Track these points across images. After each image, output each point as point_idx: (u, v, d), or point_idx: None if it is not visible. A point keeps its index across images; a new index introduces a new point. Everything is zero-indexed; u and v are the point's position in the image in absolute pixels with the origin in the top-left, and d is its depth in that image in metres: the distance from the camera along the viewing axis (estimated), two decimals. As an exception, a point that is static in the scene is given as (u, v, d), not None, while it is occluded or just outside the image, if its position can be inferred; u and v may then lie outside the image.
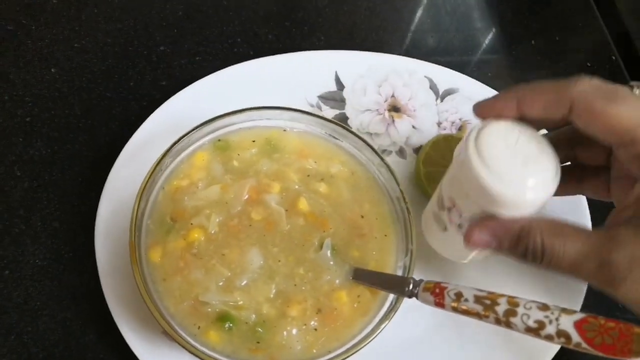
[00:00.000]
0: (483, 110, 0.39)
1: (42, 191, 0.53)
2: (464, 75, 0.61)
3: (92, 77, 0.60)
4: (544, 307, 0.33)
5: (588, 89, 0.35)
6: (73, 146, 0.56)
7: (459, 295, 0.35)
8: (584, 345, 0.31)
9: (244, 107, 0.47)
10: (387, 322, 0.41)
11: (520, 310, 0.33)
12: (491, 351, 0.49)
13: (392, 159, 0.56)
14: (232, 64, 0.58)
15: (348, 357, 0.40)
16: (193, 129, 0.46)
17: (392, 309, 0.42)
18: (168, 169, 0.46)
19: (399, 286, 0.40)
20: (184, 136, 0.45)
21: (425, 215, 0.48)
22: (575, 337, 0.31)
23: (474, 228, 0.37)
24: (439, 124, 0.59)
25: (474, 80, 0.61)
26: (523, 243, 0.34)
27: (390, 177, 0.46)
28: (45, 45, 0.61)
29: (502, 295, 0.34)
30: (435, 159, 0.55)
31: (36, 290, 0.49)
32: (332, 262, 0.44)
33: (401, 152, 0.58)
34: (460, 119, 0.60)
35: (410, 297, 0.39)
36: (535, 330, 0.32)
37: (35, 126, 0.56)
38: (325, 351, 0.41)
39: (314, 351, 0.41)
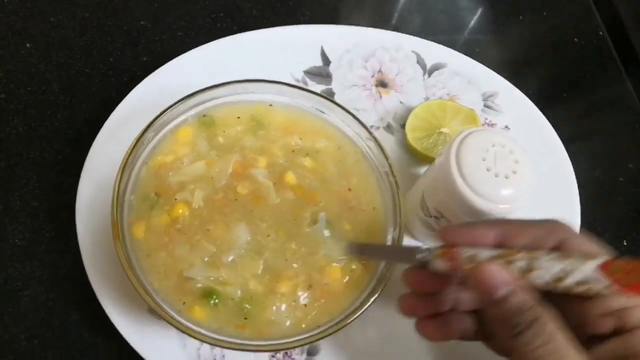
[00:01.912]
0: (450, 236, 0.36)
1: (20, 169, 0.52)
2: (452, 49, 0.61)
3: (69, 52, 0.58)
4: (564, 256, 0.31)
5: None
6: (52, 123, 0.54)
7: (473, 257, 0.33)
8: (613, 287, 0.29)
9: (228, 80, 0.46)
10: (376, 294, 0.41)
11: (539, 264, 0.31)
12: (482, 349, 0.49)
13: (379, 135, 0.56)
14: (215, 39, 0.57)
15: (337, 330, 0.40)
16: (175, 103, 0.44)
17: (382, 279, 0.41)
18: (151, 144, 0.45)
19: (409, 256, 0.38)
20: (166, 110, 0.44)
21: (411, 217, 0.50)
22: (602, 281, 0.29)
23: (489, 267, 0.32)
24: (426, 99, 0.58)
25: (462, 55, 0.60)
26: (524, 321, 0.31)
27: (379, 151, 0.46)
28: (20, 19, 0.59)
29: (519, 252, 0.32)
30: (421, 125, 0.55)
31: (16, 270, 0.48)
32: (327, 236, 0.43)
33: (389, 128, 0.57)
34: (447, 94, 0.59)
35: (422, 265, 0.37)
36: (558, 281, 0.30)
37: (11, 103, 0.54)
38: (315, 326, 0.41)
39: (303, 326, 0.41)
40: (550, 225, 0.34)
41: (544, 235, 0.33)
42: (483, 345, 0.39)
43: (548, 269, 0.31)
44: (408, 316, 0.39)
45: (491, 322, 0.32)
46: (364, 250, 0.44)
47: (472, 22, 0.69)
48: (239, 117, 0.47)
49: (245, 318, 0.40)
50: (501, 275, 0.31)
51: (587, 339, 0.32)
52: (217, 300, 0.40)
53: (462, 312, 0.39)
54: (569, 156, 0.57)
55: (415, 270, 0.38)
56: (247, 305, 0.41)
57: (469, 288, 0.37)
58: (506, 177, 0.40)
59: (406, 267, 0.39)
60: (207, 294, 0.40)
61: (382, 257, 0.43)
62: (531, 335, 0.29)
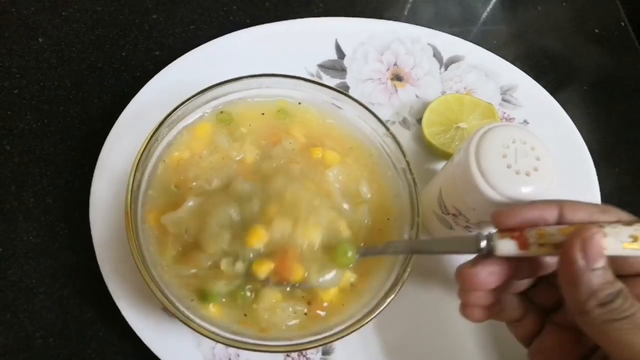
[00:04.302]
0: (508, 218, 0.35)
1: (33, 166, 0.51)
2: (468, 42, 0.59)
3: (81, 47, 0.57)
4: (629, 222, 0.32)
5: None
6: (65, 119, 0.54)
7: (542, 234, 0.33)
8: None
9: (243, 75, 0.45)
10: (393, 295, 0.40)
11: (609, 230, 0.31)
12: (478, 351, 0.48)
13: (395, 130, 0.55)
14: (228, 33, 0.56)
15: (353, 331, 0.39)
16: (189, 98, 0.44)
17: (398, 281, 0.41)
18: (165, 139, 0.44)
19: (470, 245, 0.36)
20: (180, 105, 0.43)
21: (428, 214, 0.48)
22: None
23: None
24: (443, 93, 0.57)
25: (480, 47, 0.59)
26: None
27: (396, 147, 0.45)
28: (31, 14, 0.58)
29: (584, 223, 0.32)
30: (438, 120, 0.54)
31: (31, 267, 0.48)
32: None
33: (404, 122, 0.56)
34: (465, 88, 0.58)
35: (484, 252, 0.35)
36: (632, 243, 0.31)
37: (24, 99, 0.54)
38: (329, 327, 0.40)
39: (304, 330, 0.41)
40: (604, 206, 0.34)
41: (599, 212, 0.34)
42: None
43: (618, 235, 0.31)
44: (472, 318, 0.38)
45: (574, 289, 0.31)
46: (415, 249, 0.41)
47: (489, 13, 0.67)
48: (263, 114, 0.47)
49: (245, 315, 0.40)
50: (602, 244, 0.31)
51: None
52: (224, 299, 0.40)
53: (513, 294, 0.39)
54: (589, 151, 0.56)
55: (476, 265, 0.35)
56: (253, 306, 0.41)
57: (568, 253, 0.32)
58: (527, 175, 0.39)
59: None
60: (211, 292, 0.40)
61: (435, 251, 0.41)
62: (620, 302, 0.30)
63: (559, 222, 0.34)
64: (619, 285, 0.31)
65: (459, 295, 0.38)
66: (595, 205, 0.35)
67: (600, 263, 0.31)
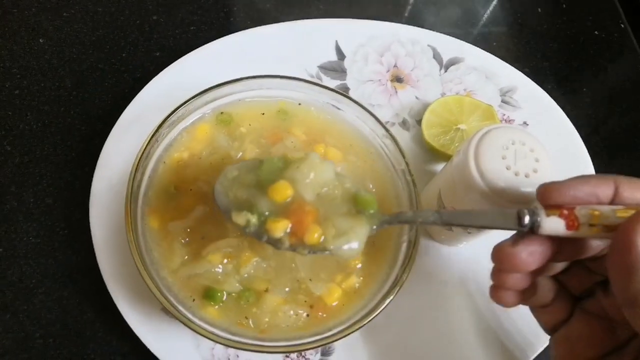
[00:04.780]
0: (557, 193, 0.32)
1: (33, 166, 0.51)
2: (468, 44, 0.59)
3: (82, 47, 0.58)
4: None
5: None
6: (65, 120, 0.54)
7: (594, 214, 0.29)
8: None
9: (243, 76, 0.45)
10: (391, 297, 0.40)
11: None
12: (473, 351, 0.48)
13: (395, 131, 0.55)
14: (228, 34, 0.56)
15: (353, 332, 0.40)
16: (189, 99, 0.44)
17: (397, 283, 0.41)
18: (165, 140, 0.44)
19: (511, 219, 0.32)
20: (179, 106, 0.43)
21: None
22: None
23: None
24: (443, 94, 0.57)
25: (480, 49, 0.59)
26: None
27: (395, 149, 0.45)
28: (33, 14, 0.58)
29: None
30: (437, 121, 0.54)
31: (31, 268, 0.48)
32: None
33: (404, 124, 0.56)
34: (464, 90, 0.58)
35: (527, 229, 0.32)
36: None
37: (25, 99, 0.54)
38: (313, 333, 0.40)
39: (304, 331, 0.41)
40: None
41: None
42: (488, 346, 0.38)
43: None
44: (504, 302, 0.35)
45: (628, 283, 0.28)
46: (446, 217, 0.37)
47: (489, 15, 0.67)
48: (263, 114, 0.47)
49: (247, 318, 0.40)
50: None
51: None
52: (224, 298, 0.40)
53: (547, 277, 0.36)
54: (589, 152, 0.56)
55: (517, 244, 0.32)
56: (254, 309, 0.41)
57: (621, 242, 0.29)
58: (526, 176, 0.39)
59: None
60: (212, 292, 0.40)
61: (470, 224, 0.36)
62: None
63: (614, 201, 0.31)
64: None
65: (492, 277, 0.34)
66: None
67: None
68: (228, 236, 0.41)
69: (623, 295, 0.29)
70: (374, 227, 0.38)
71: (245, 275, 0.41)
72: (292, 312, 0.41)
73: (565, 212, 0.30)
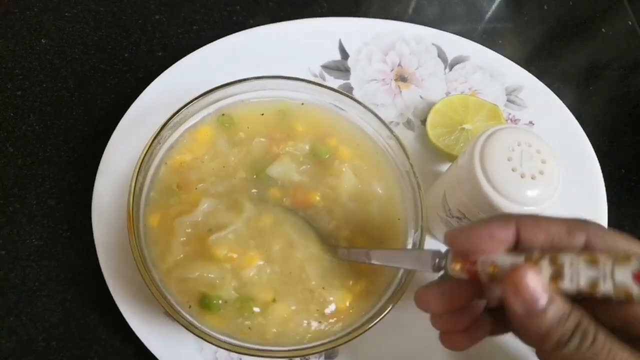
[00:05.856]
0: (458, 240, 0.32)
1: (36, 168, 0.51)
2: (473, 42, 0.59)
3: (84, 48, 0.57)
4: (593, 260, 0.28)
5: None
6: (67, 121, 0.54)
7: (493, 266, 0.30)
8: None
9: (245, 77, 0.45)
10: (395, 302, 0.40)
11: (566, 271, 0.28)
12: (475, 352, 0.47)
13: (399, 131, 0.54)
14: (231, 33, 0.55)
15: (357, 337, 0.39)
16: (191, 101, 0.43)
17: (401, 287, 0.40)
18: (168, 142, 0.44)
19: (426, 261, 0.34)
20: (182, 108, 0.43)
21: (432, 216, 0.48)
22: (637, 290, 0.26)
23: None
24: (447, 94, 0.57)
25: (485, 47, 0.58)
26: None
27: (400, 150, 0.44)
28: (34, 15, 0.58)
29: (543, 256, 0.29)
30: (442, 121, 0.54)
31: (34, 270, 0.48)
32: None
33: (409, 124, 0.55)
34: (469, 89, 0.57)
35: (437, 271, 0.34)
36: (590, 290, 0.27)
37: (27, 100, 0.54)
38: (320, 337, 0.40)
39: (309, 336, 0.40)
40: (572, 222, 0.30)
41: (565, 233, 0.30)
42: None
43: (577, 275, 0.28)
44: (455, 347, 0.35)
45: (525, 332, 0.29)
46: (374, 258, 0.39)
47: (494, 12, 0.67)
48: (262, 114, 0.46)
49: (250, 328, 0.40)
50: (540, 283, 0.28)
51: (632, 339, 0.29)
52: (222, 304, 0.39)
53: (482, 313, 0.36)
54: (596, 153, 0.55)
55: (431, 288, 0.33)
56: (254, 311, 0.40)
57: (506, 298, 0.30)
58: (532, 178, 0.39)
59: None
60: (209, 299, 0.39)
61: (389, 264, 0.39)
62: (577, 341, 0.27)
63: (518, 242, 0.31)
64: (573, 319, 0.28)
65: (431, 322, 0.35)
66: (562, 222, 0.30)
67: (541, 303, 0.27)
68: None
69: (532, 347, 0.30)
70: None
71: (249, 278, 0.40)
72: (305, 322, 0.40)
73: (467, 265, 0.31)
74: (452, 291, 0.33)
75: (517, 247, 0.31)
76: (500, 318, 0.35)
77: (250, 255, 0.41)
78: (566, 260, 0.28)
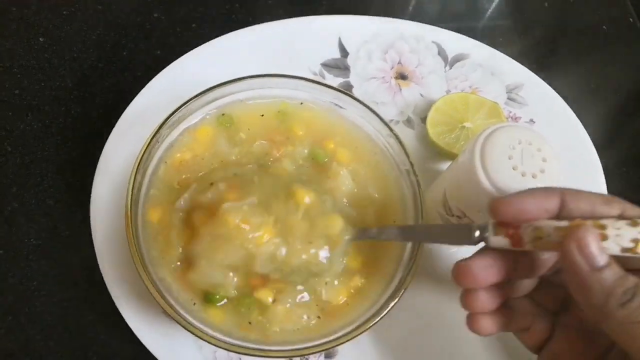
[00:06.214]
0: (504, 209, 0.33)
1: (34, 167, 0.51)
2: (474, 40, 0.58)
3: (82, 46, 0.57)
4: (634, 222, 0.29)
5: None
6: (66, 119, 0.53)
7: (537, 231, 0.31)
8: None
9: (243, 76, 0.45)
10: (396, 300, 0.40)
11: (610, 232, 0.29)
12: (476, 352, 0.48)
13: (399, 129, 0.54)
14: (230, 32, 0.55)
15: (358, 335, 0.39)
16: (189, 100, 0.43)
17: (401, 286, 0.40)
18: (167, 140, 0.44)
19: (464, 234, 0.34)
20: (180, 107, 0.43)
21: (432, 215, 0.48)
22: None
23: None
24: (448, 92, 0.56)
25: (485, 45, 0.58)
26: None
27: (400, 148, 0.44)
28: (32, 13, 0.58)
29: (585, 222, 0.30)
30: (442, 119, 0.53)
31: (32, 270, 0.47)
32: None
33: (409, 122, 0.55)
34: (470, 87, 0.57)
35: (476, 243, 0.34)
36: (633, 250, 0.29)
37: (25, 99, 0.54)
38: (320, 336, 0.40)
39: (309, 335, 0.40)
40: (607, 196, 0.32)
41: (603, 203, 0.31)
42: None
43: (620, 237, 0.29)
44: (481, 330, 0.36)
45: (588, 292, 0.29)
46: (406, 233, 0.39)
47: (494, 9, 0.66)
48: (262, 115, 0.46)
49: (250, 323, 0.40)
50: (599, 242, 0.29)
51: None
52: (225, 301, 0.40)
53: (518, 297, 0.37)
54: (597, 151, 0.55)
55: (473, 259, 0.34)
56: (255, 311, 0.40)
57: (567, 255, 0.30)
58: (533, 177, 0.39)
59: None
60: (213, 295, 0.40)
61: (427, 239, 0.39)
62: (638, 302, 0.28)
63: (561, 211, 0.32)
64: (633, 279, 0.29)
65: (461, 302, 0.36)
66: (599, 195, 0.32)
67: (603, 260, 0.29)
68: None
69: (590, 311, 0.30)
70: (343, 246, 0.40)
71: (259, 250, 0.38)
72: (305, 316, 0.41)
73: (511, 231, 0.32)
74: (493, 263, 0.33)
75: (557, 217, 0.32)
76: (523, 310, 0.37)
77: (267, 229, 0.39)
78: (609, 223, 0.30)
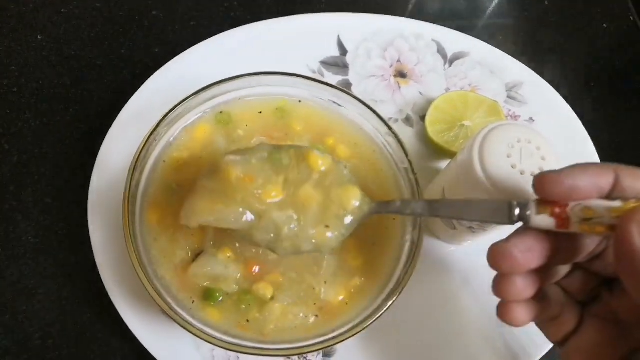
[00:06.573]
0: (553, 186, 0.29)
1: (32, 165, 0.51)
2: (473, 38, 0.58)
3: (81, 44, 0.57)
4: None
5: None
6: (63, 118, 0.53)
7: (587, 211, 0.28)
8: None
9: (241, 73, 0.44)
10: (394, 298, 0.40)
11: None
12: (477, 352, 0.48)
13: (398, 127, 0.54)
14: (229, 29, 0.55)
15: (356, 334, 0.39)
16: (187, 98, 0.43)
17: (399, 284, 0.40)
18: (164, 139, 0.44)
19: (501, 212, 0.31)
20: (178, 105, 0.42)
21: None
22: None
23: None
24: (447, 90, 0.56)
25: (485, 43, 0.58)
26: None
27: (398, 147, 0.44)
28: (30, 11, 0.58)
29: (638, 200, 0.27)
30: (442, 118, 0.53)
31: (30, 268, 0.47)
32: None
33: (408, 120, 0.55)
34: (469, 85, 0.57)
35: (515, 222, 0.31)
36: None
37: (23, 97, 0.54)
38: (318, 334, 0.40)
39: (307, 334, 0.40)
40: None
41: None
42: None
43: None
44: (515, 320, 0.32)
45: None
46: (435, 209, 0.35)
47: (494, 7, 0.66)
48: (260, 112, 0.46)
49: (248, 320, 0.40)
50: None
51: None
52: (222, 299, 0.39)
53: (554, 285, 0.34)
54: (597, 149, 0.55)
55: (512, 241, 0.30)
56: (251, 307, 0.40)
57: (626, 234, 0.27)
58: (532, 175, 0.38)
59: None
60: (211, 293, 0.40)
61: (458, 216, 0.35)
62: None
63: (614, 190, 0.29)
64: None
65: (494, 289, 0.32)
66: None
67: None
68: None
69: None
70: (358, 218, 0.37)
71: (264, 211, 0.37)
72: (301, 314, 0.41)
73: (557, 210, 0.29)
74: (535, 246, 0.30)
75: (608, 196, 0.29)
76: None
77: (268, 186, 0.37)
78: None
